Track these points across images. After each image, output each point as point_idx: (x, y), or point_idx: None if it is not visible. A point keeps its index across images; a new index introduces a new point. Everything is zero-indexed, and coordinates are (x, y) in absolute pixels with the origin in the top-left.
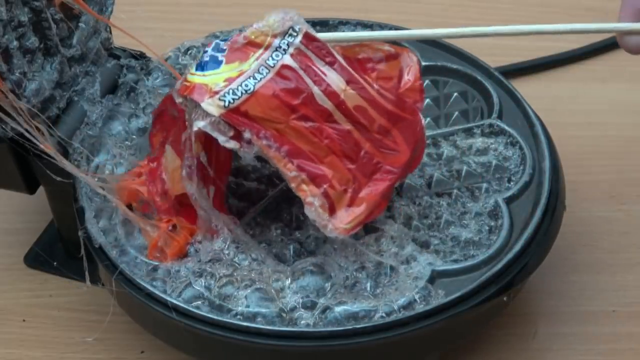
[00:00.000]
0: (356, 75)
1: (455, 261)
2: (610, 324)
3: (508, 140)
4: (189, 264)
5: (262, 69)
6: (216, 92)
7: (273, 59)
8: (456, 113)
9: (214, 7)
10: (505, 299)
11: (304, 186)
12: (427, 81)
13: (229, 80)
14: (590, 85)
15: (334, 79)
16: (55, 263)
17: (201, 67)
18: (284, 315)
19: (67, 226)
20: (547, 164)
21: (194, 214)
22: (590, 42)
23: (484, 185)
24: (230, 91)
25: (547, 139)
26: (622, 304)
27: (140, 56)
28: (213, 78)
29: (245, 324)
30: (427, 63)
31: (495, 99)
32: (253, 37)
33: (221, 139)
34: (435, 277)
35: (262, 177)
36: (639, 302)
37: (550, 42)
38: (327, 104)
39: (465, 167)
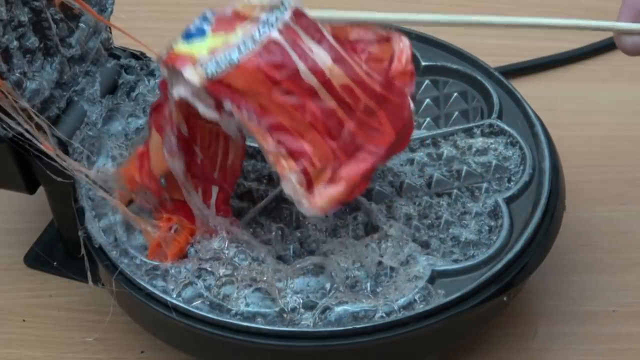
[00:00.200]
0: (345, 54)
1: (455, 261)
2: (610, 324)
3: (508, 140)
4: (188, 264)
5: (248, 42)
6: (199, 62)
7: (260, 32)
8: (456, 113)
9: (214, 7)
10: (505, 299)
11: (282, 161)
12: (427, 81)
13: (214, 51)
14: (590, 85)
15: (321, 57)
16: (55, 263)
17: (187, 36)
18: (284, 315)
19: (67, 226)
20: (547, 164)
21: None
22: (590, 42)
23: (484, 185)
24: (214, 61)
25: (547, 139)
26: (622, 304)
27: (140, 56)
28: (198, 48)
29: (245, 324)
30: (427, 63)
31: (495, 99)
32: (242, 9)
33: (201, 109)
34: (435, 277)
35: (262, 177)
36: (639, 302)
37: (550, 42)
38: (312, 81)
39: (465, 167)
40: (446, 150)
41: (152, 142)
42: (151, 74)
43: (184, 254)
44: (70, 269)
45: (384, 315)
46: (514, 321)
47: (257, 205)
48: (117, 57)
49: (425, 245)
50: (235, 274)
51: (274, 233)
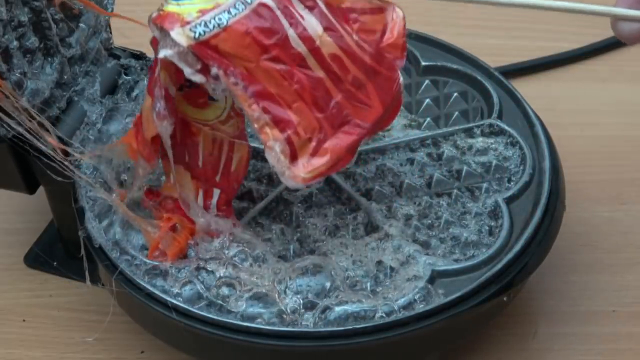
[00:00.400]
0: (336, 23)
1: (455, 261)
2: (610, 324)
3: (508, 140)
4: (189, 264)
5: (239, 4)
6: (187, 22)
7: None
8: (456, 113)
9: None
10: (505, 299)
11: (267, 129)
12: (427, 81)
13: (203, 12)
14: (590, 85)
15: (312, 24)
16: (55, 263)
17: None
18: (284, 315)
19: (67, 226)
20: (547, 164)
21: None
22: (590, 42)
23: (484, 185)
24: (203, 23)
25: (547, 139)
26: (622, 304)
27: (140, 56)
28: (187, 8)
29: (245, 324)
30: (427, 63)
31: (495, 99)
32: None
33: (187, 71)
34: (435, 277)
35: (262, 177)
36: (639, 302)
37: (551, 42)
38: (301, 48)
39: (465, 167)
40: (446, 150)
41: (144, 106)
42: None
43: (184, 254)
44: (70, 269)
45: (384, 315)
46: (514, 321)
47: (257, 205)
48: (117, 57)
49: (425, 245)
50: (236, 274)
51: (274, 233)
